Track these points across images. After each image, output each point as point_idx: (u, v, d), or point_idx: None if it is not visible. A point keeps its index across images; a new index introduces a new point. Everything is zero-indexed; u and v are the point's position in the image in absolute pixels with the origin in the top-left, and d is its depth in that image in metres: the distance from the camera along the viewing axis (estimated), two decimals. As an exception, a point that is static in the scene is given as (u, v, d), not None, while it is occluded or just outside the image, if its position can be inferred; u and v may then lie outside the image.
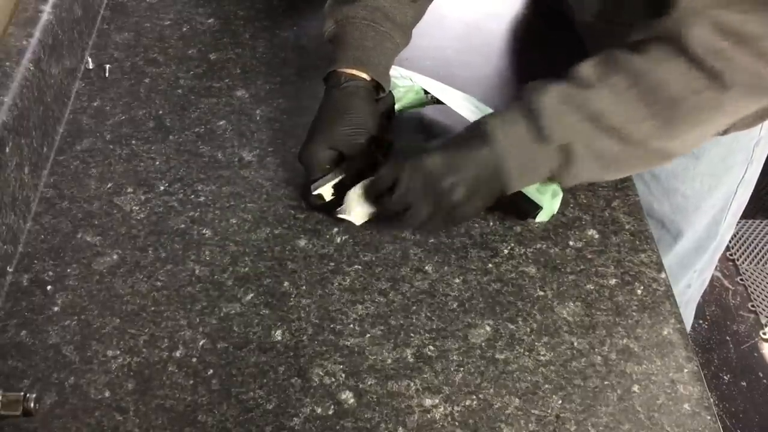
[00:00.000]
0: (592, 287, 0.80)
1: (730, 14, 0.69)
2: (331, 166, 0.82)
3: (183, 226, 0.83)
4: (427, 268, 0.80)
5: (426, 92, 0.92)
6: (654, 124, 0.74)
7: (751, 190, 1.09)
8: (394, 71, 0.92)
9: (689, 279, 1.17)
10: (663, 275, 0.81)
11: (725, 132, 0.95)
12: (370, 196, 0.80)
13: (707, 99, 0.72)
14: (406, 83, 0.92)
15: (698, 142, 0.81)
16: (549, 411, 0.70)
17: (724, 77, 0.70)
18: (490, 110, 0.90)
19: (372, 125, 0.83)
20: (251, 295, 0.77)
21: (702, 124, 0.75)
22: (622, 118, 0.74)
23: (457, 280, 0.79)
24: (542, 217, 0.84)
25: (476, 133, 0.76)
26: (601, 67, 0.75)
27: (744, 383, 1.80)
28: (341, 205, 0.81)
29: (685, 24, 0.70)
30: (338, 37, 0.87)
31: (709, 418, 0.70)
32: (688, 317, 1.30)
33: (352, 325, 0.75)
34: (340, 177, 0.82)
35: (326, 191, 0.82)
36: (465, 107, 0.89)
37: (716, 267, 1.23)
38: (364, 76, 0.85)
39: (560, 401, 0.71)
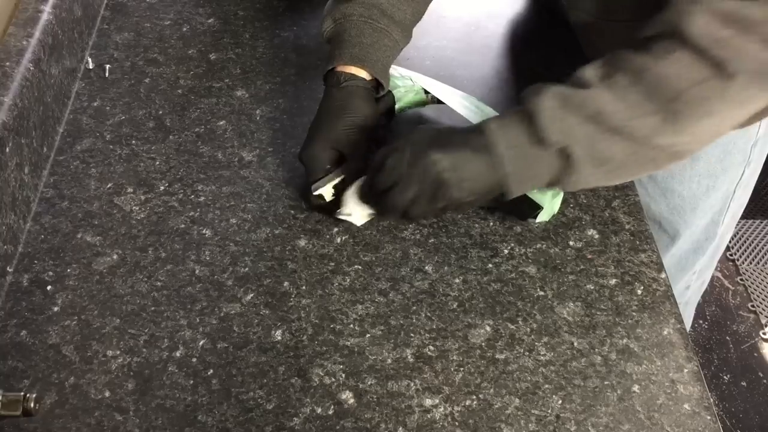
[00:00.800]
0: (592, 287, 0.80)
1: (731, 1, 0.68)
2: (331, 166, 0.82)
3: (183, 226, 0.83)
4: (427, 268, 0.80)
5: (426, 92, 0.92)
6: (658, 119, 0.71)
7: (750, 192, 1.09)
8: (394, 71, 0.92)
9: (688, 280, 1.17)
10: (663, 275, 0.81)
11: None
12: (364, 185, 0.80)
13: (711, 88, 0.70)
14: (406, 83, 0.92)
15: (710, 136, 0.76)
16: (549, 411, 0.70)
17: (729, 65, 0.68)
18: (490, 109, 0.90)
19: (372, 125, 0.83)
20: (251, 295, 0.77)
21: (709, 116, 0.72)
22: (623, 116, 0.72)
23: (457, 280, 0.79)
24: (543, 217, 0.84)
25: (476, 133, 0.75)
26: (603, 68, 0.73)
27: (744, 383, 1.80)
28: (342, 205, 0.81)
29: (686, 15, 0.69)
30: (336, 35, 0.87)
31: (709, 418, 0.70)
32: (687, 319, 1.30)
33: (352, 325, 0.75)
34: (341, 177, 0.82)
35: (327, 191, 0.82)
36: (465, 107, 0.89)
37: (716, 267, 1.23)
38: (364, 74, 0.85)
39: (560, 401, 0.71)
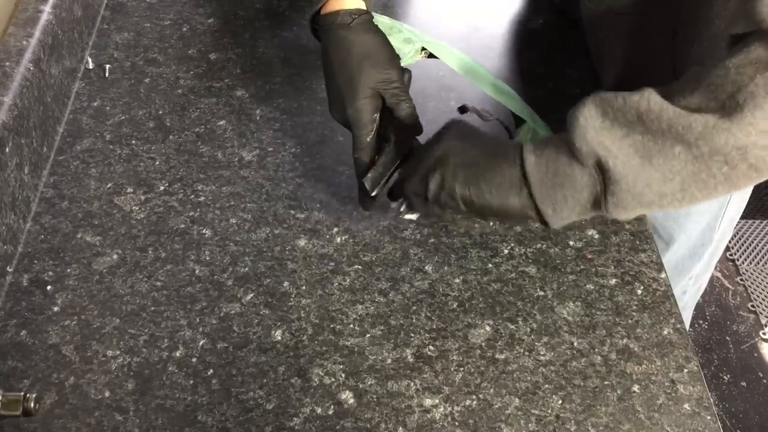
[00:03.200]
0: (592, 287, 0.80)
1: None
2: (378, 118, 0.76)
3: (183, 226, 0.83)
4: (427, 268, 0.80)
5: (423, 48, 0.90)
6: (719, 115, 0.61)
7: (747, 197, 1.08)
8: (383, 19, 0.89)
9: (684, 285, 1.16)
10: (663, 275, 0.81)
11: None
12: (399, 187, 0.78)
13: None
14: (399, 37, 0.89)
15: None
16: (549, 411, 0.70)
17: None
18: (482, 66, 0.89)
19: (397, 58, 0.78)
20: (251, 295, 0.77)
21: None
22: (672, 112, 0.62)
23: (457, 280, 0.79)
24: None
25: (509, 163, 0.71)
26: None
27: (744, 383, 1.80)
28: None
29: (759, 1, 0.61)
30: None
31: (709, 418, 0.70)
32: (685, 323, 1.29)
33: (352, 325, 0.75)
34: (395, 167, 0.78)
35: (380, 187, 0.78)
36: (456, 60, 0.88)
37: (716, 267, 1.22)
38: (363, 7, 0.80)
39: (560, 401, 0.71)
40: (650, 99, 0.63)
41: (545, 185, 0.69)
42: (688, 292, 1.18)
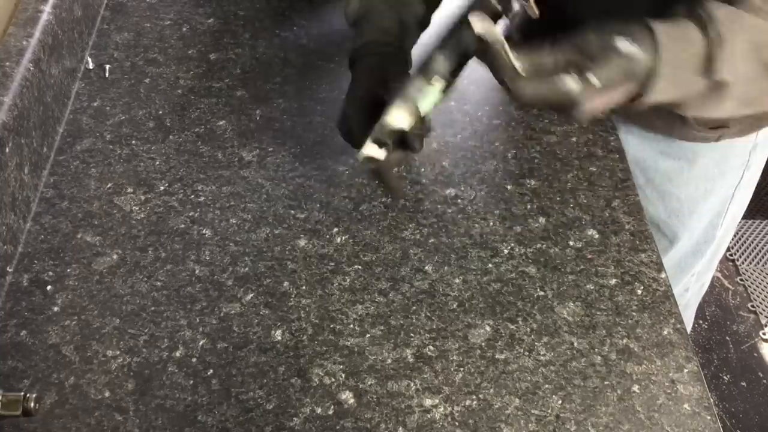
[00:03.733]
0: (592, 287, 0.80)
1: None
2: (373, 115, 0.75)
3: (183, 226, 0.83)
4: (427, 268, 0.80)
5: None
6: None
7: (750, 195, 1.08)
8: None
9: (686, 283, 1.17)
10: (663, 275, 0.81)
11: (719, 139, 0.95)
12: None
13: None
14: None
15: None
16: (549, 411, 0.70)
17: None
18: None
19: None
20: (251, 295, 0.77)
21: None
22: None
23: (457, 280, 0.79)
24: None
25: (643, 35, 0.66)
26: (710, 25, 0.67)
27: (744, 383, 1.80)
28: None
29: None
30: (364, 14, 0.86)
31: (709, 418, 0.70)
32: (687, 322, 1.30)
33: (352, 325, 0.75)
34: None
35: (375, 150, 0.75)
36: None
37: (716, 267, 1.23)
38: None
39: (560, 401, 0.71)
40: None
41: (673, 63, 0.66)
42: (690, 289, 1.19)
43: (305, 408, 0.69)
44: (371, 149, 0.74)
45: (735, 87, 0.68)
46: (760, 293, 1.98)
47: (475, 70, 1.02)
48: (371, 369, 0.72)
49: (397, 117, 0.73)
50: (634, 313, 0.78)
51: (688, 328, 1.34)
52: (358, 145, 0.75)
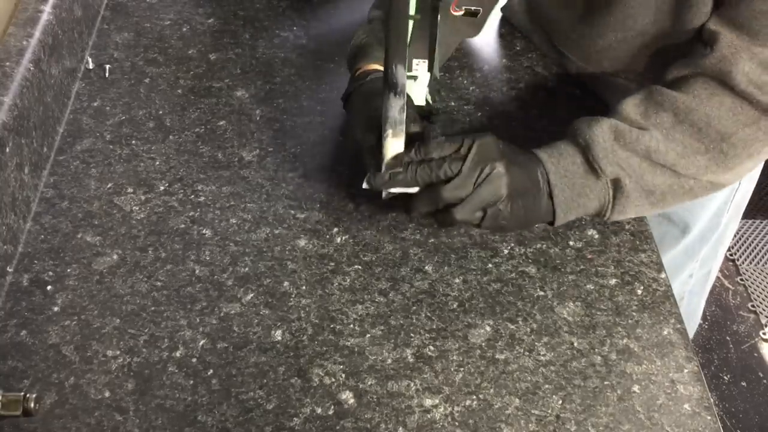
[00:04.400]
0: (592, 287, 0.80)
1: None
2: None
3: (183, 226, 0.83)
4: (427, 268, 0.80)
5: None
6: (709, 158, 0.76)
7: (755, 183, 1.10)
8: None
9: (691, 269, 1.18)
10: (663, 275, 0.81)
11: None
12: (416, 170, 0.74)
13: (760, 130, 0.76)
14: None
15: (748, 171, 0.82)
16: (549, 411, 0.70)
17: None
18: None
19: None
20: (251, 295, 0.77)
21: (756, 155, 0.78)
22: (675, 154, 0.76)
23: (457, 280, 0.79)
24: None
25: (533, 160, 0.77)
26: (645, 105, 0.78)
27: (744, 383, 1.80)
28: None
29: (730, 62, 0.75)
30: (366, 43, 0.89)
31: (709, 418, 0.70)
32: (693, 312, 1.29)
33: (352, 325, 0.75)
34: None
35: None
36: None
37: (721, 259, 1.23)
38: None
39: (560, 401, 0.71)
40: (658, 140, 0.76)
41: (564, 192, 0.76)
42: (694, 275, 1.19)
43: (305, 408, 0.69)
44: (391, 189, 0.75)
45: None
46: (760, 293, 1.98)
47: (476, 70, 1.02)
48: (371, 369, 0.72)
49: (391, 148, 0.73)
50: (634, 313, 0.78)
51: (697, 319, 1.34)
52: (378, 166, 0.75)
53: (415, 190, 0.75)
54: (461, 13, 0.79)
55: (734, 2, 0.75)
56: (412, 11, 0.73)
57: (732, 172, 0.78)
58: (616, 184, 0.76)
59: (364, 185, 0.75)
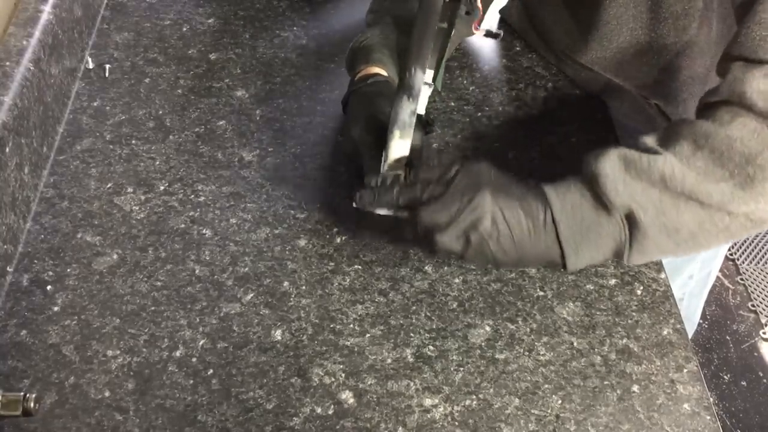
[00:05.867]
0: (592, 287, 0.80)
1: None
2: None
3: (183, 226, 0.83)
4: (427, 268, 0.80)
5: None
6: (732, 184, 0.69)
7: None
8: None
9: (691, 270, 1.18)
10: (663, 275, 0.81)
11: None
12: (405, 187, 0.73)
13: None
14: None
15: None
16: (549, 411, 0.70)
17: None
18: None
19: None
20: (251, 295, 0.77)
21: None
22: (692, 181, 0.69)
23: (457, 280, 0.79)
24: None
25: (534, 192, 0.72)
26: (664, 134, 0.72)
27: (744, 383, 1.80)
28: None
29: (743, 82, 0.70)
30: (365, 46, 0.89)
31: (709, 418, 0.70)
32: (692, 314, 1.30)
33: (352, 325, 0.75)
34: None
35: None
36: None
37: (721, 258, 1.23)
38: (385, 74, 0.85)
39: (560, 401, 0.71)
40: (673, 164, 0.69)
41: (571, 228, 0.70)
42: (694, 276, 1.19)
43: (305, 408, 0.69)
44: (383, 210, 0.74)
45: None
46: (760, 293, 1.98)
47: (476, 70, 1.02)
48: (371, 369, 0.72)
49: (396, 150, 0.73)
50: (633, 313, 0.78)
51: (696, 319, 1.34)
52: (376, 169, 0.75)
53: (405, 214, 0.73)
54: (482, 33, 0.76)
55: (734, 37, 0.73)
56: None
57: (764, 199, 0.70)
58: (631, 220, 0.70)
59: (353, 204, 0.74)
